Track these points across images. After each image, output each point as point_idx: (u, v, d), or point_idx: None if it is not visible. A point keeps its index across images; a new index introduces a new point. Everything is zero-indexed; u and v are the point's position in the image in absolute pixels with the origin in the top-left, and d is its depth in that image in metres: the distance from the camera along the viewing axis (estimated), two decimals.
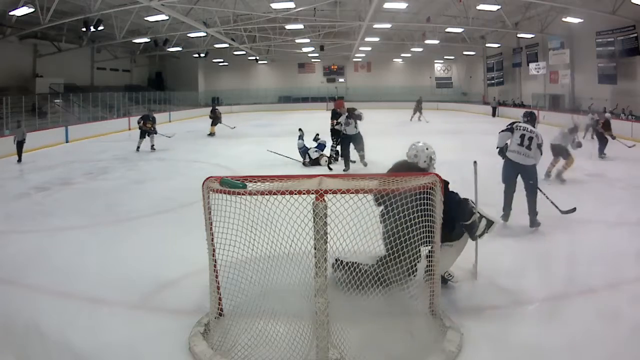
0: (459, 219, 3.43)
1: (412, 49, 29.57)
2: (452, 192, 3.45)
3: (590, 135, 12.30)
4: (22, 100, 16.42)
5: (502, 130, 5.33)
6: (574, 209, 5.41)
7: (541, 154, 5.17)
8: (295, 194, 2.62)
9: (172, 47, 25.52)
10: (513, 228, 5.28)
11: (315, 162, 9.80)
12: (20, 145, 11.06)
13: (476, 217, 3.47)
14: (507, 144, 5.27)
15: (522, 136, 5.10)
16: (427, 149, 3.65)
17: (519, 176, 5.14)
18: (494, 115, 25.64)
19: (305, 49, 31.01)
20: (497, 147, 5.35)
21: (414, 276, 3.14)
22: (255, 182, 2.93)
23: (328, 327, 2.58)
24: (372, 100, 33.42)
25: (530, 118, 5.65)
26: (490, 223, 3.53)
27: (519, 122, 5.51)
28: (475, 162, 3.71)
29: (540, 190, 5.31)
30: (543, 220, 5.10)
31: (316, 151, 10.03)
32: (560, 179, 7.56)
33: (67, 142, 15.06)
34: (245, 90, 35.66)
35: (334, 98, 34.44)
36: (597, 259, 4.23)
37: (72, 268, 4.21)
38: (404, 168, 3.60)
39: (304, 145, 10.18)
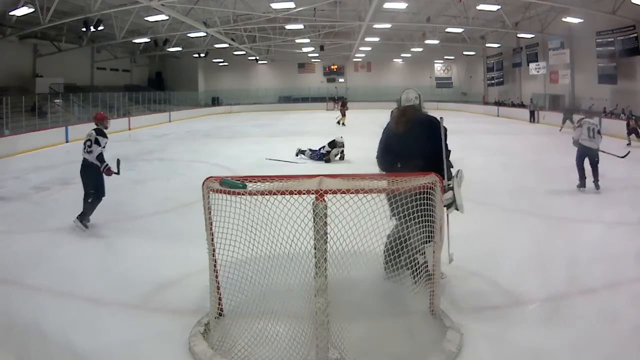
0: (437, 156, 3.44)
1: (412, 49, 29.57)
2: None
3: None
4: (22, 100, 16.43)
5: (576, 128, 7.52)
6: (629, 153, 7.82)
7: (601, 137, 7.15)
8: (295, 194, 2.62)
9: (172, 47, 25.52)
10: (513, 228, 5.30)
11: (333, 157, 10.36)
12: None
13: (446, 183, 3.43)
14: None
15: (588, 129, 7.06)
16: (418, 91, 3.86)
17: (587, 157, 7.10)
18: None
19: (305, 49, 31.01)
20: (573, 139, 7.30)
21: (432, 242, 3.10)
22: (255, 182, 2.93)
23: (328, 327, 2.58)
24: (372, 100, 33.47)
25: (593, 113, 8.54)
26: (452, 202, 3.47)
27: (585, 118, 7.38)
28: (441, 117, 3.63)
29: (608, 154, 7.31)
30: (545, 221, 5.12)
31: (325, 147, 10.45)
32: None
33: (67, 142, 15.09)
34: (245, 90, 35.68)
35: (334, 98, 34.56)
36: (597, 259, 4.23)
37: (72, 268, 4.21)
38: (409, 111, 3.70)
39: (314, 151, 10.43)
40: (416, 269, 3.07)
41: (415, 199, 2.89)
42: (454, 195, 3.47)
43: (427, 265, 3.11)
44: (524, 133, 16.93)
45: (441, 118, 3.61)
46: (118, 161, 5.66)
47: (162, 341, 2.97)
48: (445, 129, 3.58)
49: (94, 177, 5.49)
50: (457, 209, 3.51)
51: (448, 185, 3.46)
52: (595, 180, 7.11)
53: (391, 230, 3.26)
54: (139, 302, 3.54)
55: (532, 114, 21.52)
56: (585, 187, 7.13)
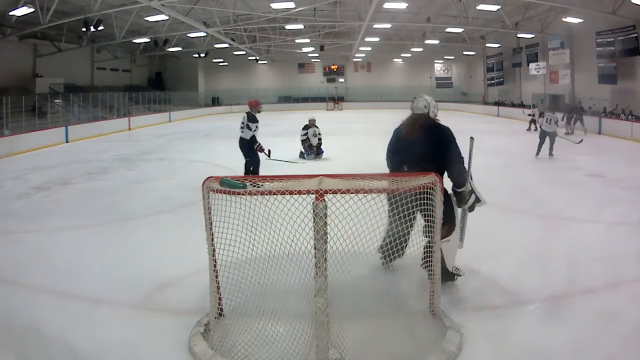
0: (456, 171, 3.54)
1: (412, 49, 29.57)
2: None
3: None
4: (22, 100, 16.43)
5: (539, 117, 11.57)
6: (582, 140, 11.77)
7: (557, 126, 10.44)
8: (295, 194, 2.62)
9: (172, 47, 25.50)
10: (512, 228, 5.30)
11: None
12: None
13: (467, 189, 3.56)
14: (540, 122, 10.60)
15: (547, 118, 10.39)
16: (433, 99, 3.91)
17: (547, 137, 10.34)
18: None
19: (305, 49, 31.00)
20: (539, 125, 10.92)
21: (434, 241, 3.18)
22: (255, 182, 2.93)
23: (328, 327, 2.58)
24: (372, 100, 33.48)
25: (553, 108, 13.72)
26: (477, 200, 3.62)
27: (546, 112, 10.85)
28: (472, 137, 3.71)
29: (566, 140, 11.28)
30: (545, 221, 5.13)
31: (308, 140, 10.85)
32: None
33: (67, 142, 15.07)
34: (245, 90, 35.62)
35: (334, 98, 34.54)
36: (597, 259, 4.23)
37: (72, 268, 4.21)
38: (421, 119, 3.77)
39: (305, 150, 10.61)
40: (430, 262, 3.09)
41: (416, 198, 2.90)
42: (476, 197, 3.61)
43: (443, 261, 3.14)
44: (524, 133, 16.92)
45: (471, 138, 3.69)
46: (269, 151, 7.70)
47: (162, 341, 2.97)
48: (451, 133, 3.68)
49: (248, 149, 7.20)
50: (471, 211, 3.64)
51: (468, 190, 3.59)
52: (550, 152, 10.37)
53: (390, 230, 3.26)
54: (139, 302, 3.53)
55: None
56: (538, 155, 10.30)
